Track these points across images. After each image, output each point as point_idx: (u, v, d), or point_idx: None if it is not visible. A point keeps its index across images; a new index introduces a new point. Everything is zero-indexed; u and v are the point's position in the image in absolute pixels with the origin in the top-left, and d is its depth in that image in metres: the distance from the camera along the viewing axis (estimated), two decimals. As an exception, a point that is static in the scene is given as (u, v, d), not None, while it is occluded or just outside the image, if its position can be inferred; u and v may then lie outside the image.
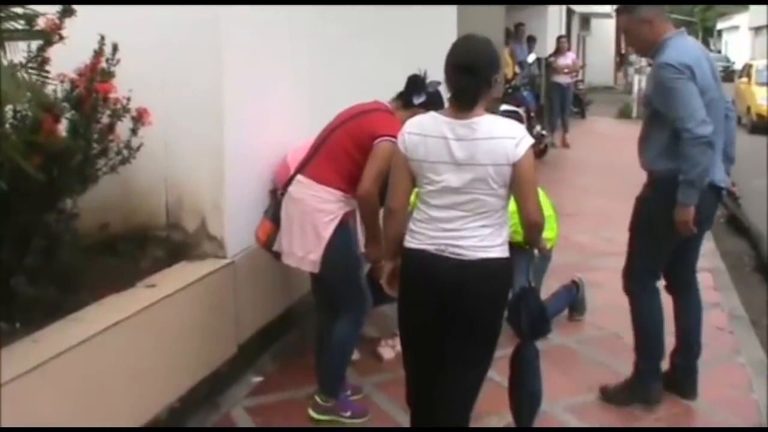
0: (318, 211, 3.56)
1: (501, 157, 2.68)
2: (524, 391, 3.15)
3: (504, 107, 7.89)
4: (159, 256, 4.01)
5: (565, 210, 8.20)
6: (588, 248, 6.89)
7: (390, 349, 4.42)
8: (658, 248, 3.92)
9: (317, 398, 3.74)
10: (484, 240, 2.76)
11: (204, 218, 3.99)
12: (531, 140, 2.73)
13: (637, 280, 3.99)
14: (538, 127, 11.03)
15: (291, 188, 3.65)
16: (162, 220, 4.05)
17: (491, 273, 2.78)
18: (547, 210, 4.83)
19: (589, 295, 5.40)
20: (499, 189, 2.73)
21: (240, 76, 3.96)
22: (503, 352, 3.11)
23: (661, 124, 3.67)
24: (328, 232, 3.55)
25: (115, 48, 3.44)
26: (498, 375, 3.35)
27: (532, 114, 10.63)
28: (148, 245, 4.05)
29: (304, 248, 3.59)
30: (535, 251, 3.14)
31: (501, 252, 2.80)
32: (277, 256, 3.77)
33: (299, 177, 3.65)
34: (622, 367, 4.32)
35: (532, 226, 2.80)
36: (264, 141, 4.19)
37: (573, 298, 5.09)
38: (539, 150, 11.07)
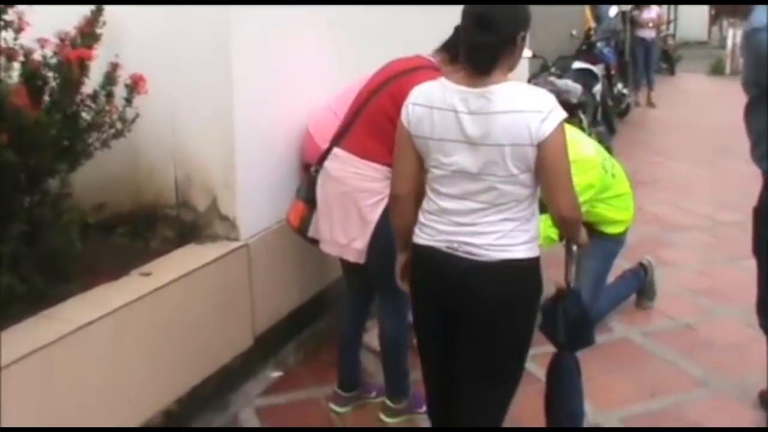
0: (362, 190, 3.04)
1: (522, 135, 2.15)
2: (562, 411, 2.67)
3: (577, 65, 7.19)
4: (169, 237, 3.67)
5: (643, 177, 7.55)
6: (665, 221, 6.22)
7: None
8: None
9: (388, 402, 3.35)
10: (505, 237, 2.25)
11: (215, 197, 3.59)
12: (562, 114, 2.18)
13: None
14: (619, 86, 10.24)
15: (327, 164, 3.15)
16: (172, 198, 3.69)
17: (514, 277, 2.28)
18: (622, 186, 4.23)
19: (661, 278, 4.80)
20: (521, 175, 2.20)
21: (251, 46, 3.50)
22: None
23: None
24: (375, 215, 3.03)
25: (98, 8, 3.04)
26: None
27: (613, 72, 9.83)
28: (158, 225, 3.71)
29: (347, 234, 3.10)
30: (574, 248, 2.58)
31: (527, 251, 2.29)
32: (315, 242, 3.31)
33: (336, 150, 3.14)
34: (694, 367, 3.76)
35: (563, 222, 2.29)
36: (280, 114, 3.71)
37: (641, 283, 4.50)
38: (621, 110, 10.32)
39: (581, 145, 4.03)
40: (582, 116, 6.69)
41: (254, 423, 3.37)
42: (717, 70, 16.05)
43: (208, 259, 3.43)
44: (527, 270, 2.30)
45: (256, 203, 3.60)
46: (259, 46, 3.55)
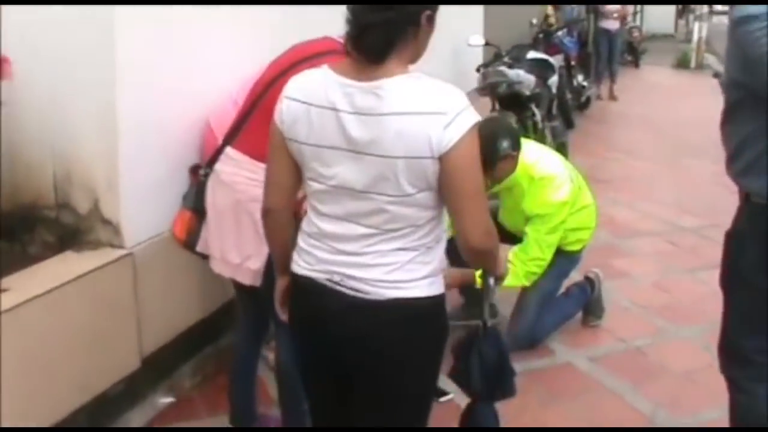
0: (257, 200, 2.48)
1: (420, 144, 1.67)
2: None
3: (532, 54, 6.72)
4: (50, 241, 3.16)
5: (600, 175, 7.17)
6: (620, 225, 5.81)
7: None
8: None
9: None
10: (399, 270, 1.78)
11: (96, 198, 3.08)
12: (473, 118, 1.71)
13: (737, 358, 2.52)
14: (579, 78, 9.83)
15: (218, 166, 2.67)
16: (51, 199, 3.17)
17: (409, 320, 1.81)
18: (587, 197, 3.84)
19: (612, 291, 4.40)
20: (418, 194, 1.73)
21: (138, 31, 2.98)
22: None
23: (757, 115, 2.16)
24: None
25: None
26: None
27: (573, 63, 9.41)
28: (37, 228, 3.20)
29: (241, 252, 2.62)
30: (491, 280, 2.12)
31: (428, 288, 1.82)
32: (207, 257, 2.82)
33: (229, 150, 2.65)
34: (642, 400, 3.35)
35: (473, 254, 1.81)
36: (175, 107, 3.17)
37: (587, 299, 4.08)
38: (581, 103, 9.93)
39: (545, 161, 3.64)
40: (535, 110, 6.25)
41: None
42: (682, 63, 15.75)
43: (83, 270, 2.92)
44: (427, 311, 1.83)
45: (143, 207, 3.10)
46: (148, 31, 3.03)
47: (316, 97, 1.75)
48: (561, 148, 7.06)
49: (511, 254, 3.51)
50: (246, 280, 2.64)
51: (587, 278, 4.11)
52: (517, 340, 3.72)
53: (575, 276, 4.14)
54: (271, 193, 1.93)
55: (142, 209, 3.09)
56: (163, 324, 3.29)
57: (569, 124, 8.95)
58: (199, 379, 3.43)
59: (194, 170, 2.82)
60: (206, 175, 2.68)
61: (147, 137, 3.07)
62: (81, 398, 2.91)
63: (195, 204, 2.72)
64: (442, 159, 1.66)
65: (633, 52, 15.20)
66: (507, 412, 3.13)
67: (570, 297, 3.98)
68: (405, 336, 1.80)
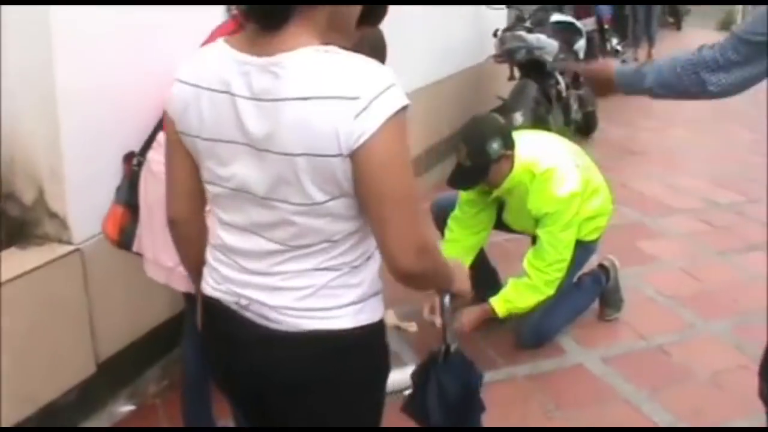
0: None
1: (324, 138, 1.28)
2: None
3: (556, 17, 6.20)
4: (-4, 235, 2.86)
5: (634, 146, 6.71)
6: (650, 202, 5.34)
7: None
8: None
9: None
10: (312, 297, 1.41)
11: (41, 188, 2.77)
12: (397, 102, 1.28)
13: None
14: (614, 41, 9.22)
15: (150, 154, 2.35)
16: (-5, 188, 2.87)
17: (330, 357, 1.44)
18: (596, 176, 3.45)
19: (637, 278, 4.01)
20: (331, 202, 1.35)
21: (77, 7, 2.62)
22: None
23: None
24: None
25: None
26: None
27: (606, 26, 8.83)
28: (-18, 220, 2.90)
29: (174, 254, 2.26)
30: (446, 299, 1.73)
31: (355, 317, 1.44)
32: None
33: (161, 136, 2.31)
34: (661, 412, 2.96)
35: (403, 278, 1.39)
36: (128, 86, 2.80)
37: (600, 290, 3.67)
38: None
39: (543, 152, 3.23)
40: (559, 77, 5.78)
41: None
42: (726, 24, 14.97)
43: (26, 268, 2.63)
44: (356, 345, 1.45)
45: (93, 199, 2.72)
46: (91, 8, 2.67)
47: (207, 79, 1.37)
48: (588, 118, 6.61)
49: (525, 264, 3.14)
50: (180, 286, 2.30)
51: (601, 266, 3.70)
52: (523, 339, 3.36)
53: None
54: (173, 200, 1.56)
55: (92, 201, 2.73)
56: (121, 326, 2.97)
57: (603, 92, 8.45)
58: (165, 384, 3.12)
59: (128, 159, 2.47)
60: (139, 165, 2.35)
61: (93, 122, 2.72)
62: (26, 409, 2.62)
63: (127, 198, 2.39)
64: (354, 157, 1.28)
65: (674, 14, 14.49)
66: (505, 422, 2.80)
67: (582, 289, 3.57)
68: (328, 375, 1.44)
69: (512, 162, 3.12)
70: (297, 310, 1.40)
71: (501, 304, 3.14)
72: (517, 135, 3.23)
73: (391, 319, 3.57)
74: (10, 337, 2.51)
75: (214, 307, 1.52)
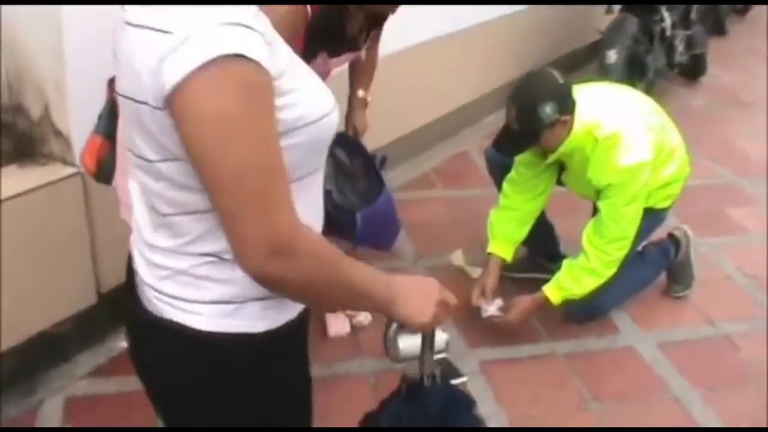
0: None
1: (139, 78, 1.01)
2: None
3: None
4: (7, 150, 2.70)
5: (744, 96, 6.02)
6: (751, 162, 4.74)
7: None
8: None
9: None
10: (170, 281, 1.16)
11: (47, 102, 2.57)
12: (217, 47, 0.95)
13: None
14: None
15: None
16: (6, 97, 2.68)
17: (187, 362, 1.18)
18: (673, 135, 3.01)
19: (717, 251, 3.56)
20: (161, 164, 1.07)
21: None
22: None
23: None
24: None
25: None
26: None
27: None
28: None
29: None
30: (392, 330, 1.35)
31: (214, 320, 1.14)
32: None
33: None
34: (713, 417, 2.57)
35: (254, 279, 1.05)
36: None
37: (669, 263, 3.24)
38: (741, 6, 8.43)
39: (608, 113, 2.77)
40: (665, 13, 5.16)
41: (55, 420, 2.43)
42: None
43: (24, 188, 2.48)
44: (219, 357, 1.16)
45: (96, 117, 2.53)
46: None
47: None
48: (697, 60, 5.96)
49: (584, 240, 2.76)
50: None
51: (671, 236, 3.26)
52: (574, 311, 2.99)
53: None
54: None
55: (95, 120, 2.52)
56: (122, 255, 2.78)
57: (720, 31, 7.66)
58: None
59: (111, 83, 2.19)
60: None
61: (100, 33, 2.47)
62: (15, 337, 2.48)
63: (107, 127, 2.12)
64: (170, 108, 0.98)
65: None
66: (530, 411, 2.49)
67: (646, 260, 3.14)
68: (190, 384, 1.19)
69: (570, 126, 2.69)
70: (160, 292, 1.17)
71: (555, 292, 2.79)
72: (577, 89, 2.78)
73: (458, 259, 3.36)
74: (4, 259, 2.39)
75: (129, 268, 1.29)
